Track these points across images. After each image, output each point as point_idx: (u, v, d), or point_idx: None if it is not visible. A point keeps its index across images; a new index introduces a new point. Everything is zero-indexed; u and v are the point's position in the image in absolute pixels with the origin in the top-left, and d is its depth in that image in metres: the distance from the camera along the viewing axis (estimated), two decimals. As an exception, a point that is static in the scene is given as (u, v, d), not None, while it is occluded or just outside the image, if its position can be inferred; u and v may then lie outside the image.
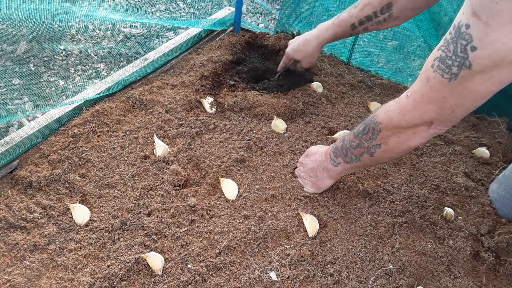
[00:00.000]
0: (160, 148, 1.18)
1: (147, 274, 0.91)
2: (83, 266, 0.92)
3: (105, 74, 2.01)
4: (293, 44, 1.39)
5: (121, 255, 0.94)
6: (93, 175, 1.11)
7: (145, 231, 0.99)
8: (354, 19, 1.22)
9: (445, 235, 1.03)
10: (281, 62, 1.48)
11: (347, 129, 1.33)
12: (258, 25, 2.59)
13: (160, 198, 1.07)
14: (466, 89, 0.72)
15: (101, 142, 1.20)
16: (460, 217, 1.08)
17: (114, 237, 0.98)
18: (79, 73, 2.00)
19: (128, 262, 0.91)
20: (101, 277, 0.89)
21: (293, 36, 1.74)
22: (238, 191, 1.11)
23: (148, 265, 0.92)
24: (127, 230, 0.99)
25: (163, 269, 0.92)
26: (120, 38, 2.28)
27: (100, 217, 1.02)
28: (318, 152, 1.11)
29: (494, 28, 0.64)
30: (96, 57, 2.11)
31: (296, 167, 1.17)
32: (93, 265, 0.92)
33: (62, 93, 1.86)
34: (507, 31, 0.63)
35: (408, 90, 0.83)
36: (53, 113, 1.25)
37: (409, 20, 1.21)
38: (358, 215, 1.07)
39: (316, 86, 1.50)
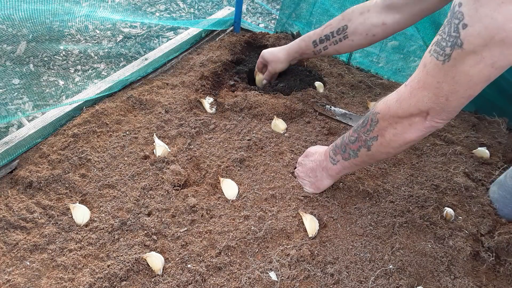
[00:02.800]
0: (160, 148, 1.19)
1: (147, 274, 0.91)
2: (83, 266, 0.92)
3: (105, 74, 2.01)
4: (269, 48, 1.48)
5: (121, 255, 0.94)
6: (93, 175, 1.11)
7: (145, 231, 0.99)
8: (316, 37, 1.32)
9: (445, 235, 1.03)
10: (257, 63, 1.52)
11: (346, 129, 1.33)
12: (258, 25, 2.59)
13: (160, 198, 1.07)
14: (459, 72, 0.70)
15: (101, 142, 1.20)
16: (460, 217, 1.08)
17: (114, 237, 0.98)
18: (79, 73, 2.00)
19: (128, 262, 0.91)
20: (101, 277, 0.89)
21: (293, 36, 1.74)
22: (238, 191, 1.11)
23: (148, 265, 0.92)
24: (127, 230, 0.99)
25: (163, 269, 0.92)
26: (120, 38, 2.28)
27: (100, 217, 1.02)
28: (317, 152, 1.11)
29: (483, 2, 0.63)
30: (96, 57, 2.11)
31: (296, 167, 1.17)
32: (93, 265, 0.92)
33: (62, 93, 1.86)
34: (495, 4, 0.61)
35: (407, 80, 0.83)
36: (53, 113, 1.25)
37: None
38: (358, 215, 1.07)
39: (318, 86, 1.50)
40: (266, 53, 1.45)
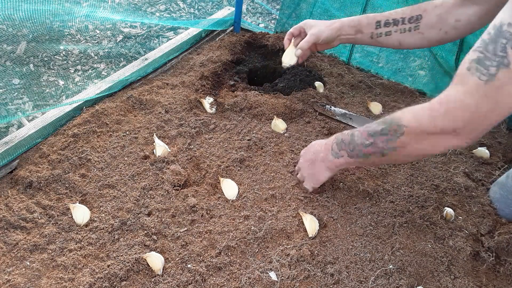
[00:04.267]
0: (160, 148, 1.19)
1: (147, 274, 0.91)
2: (83, 266, 0.92)
3: (105, 74, 2.01)
4: (310, 20, 1.25)
5: (121, 255, 0.94)
6: (93, 175, 1.11)
7: (145, 231, 0.99)
8: (382, 18, 1.17)
9: (445, 235, 1.03)
10: (289, 41, 1.30)
11: (346, 129, 1.33)
12: (258, 25, 2.59)
13: (160, 198, 1.07)
14: (502, 93, 0.69)
15: (101, 142, 1.20)
16: (460, 217, 1.08)
17: (114, 237, 0.98)
18: (79, 73, 2.00)
19: (128, 262, 0.91)
20: (101, 277, 0.89)
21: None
22: (238, 191, 1.11)
23: (148, 265, 0.92)
24: (127, 230, 0.99)
25: (163, 269, 0.92)
26: (120, 38, 2.28)
27: (100, 217, 1.02)
28: (317, 143, 1.09)
29: None
30: (96, 57, 2.11)
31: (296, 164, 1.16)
32: (93, 265, 0.92)
33: (62, 93, 1.86)
34: None
35: (440, 96, 0.79)
36: (53, 113, 1.25)
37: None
38: (358, 215, 1.07)
39: (318, 86, 1.50)
40: (308, 21, 1.24)
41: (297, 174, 1.14)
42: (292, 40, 1.30)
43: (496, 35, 0.68)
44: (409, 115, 0.84)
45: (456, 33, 1.12)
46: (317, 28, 1.20)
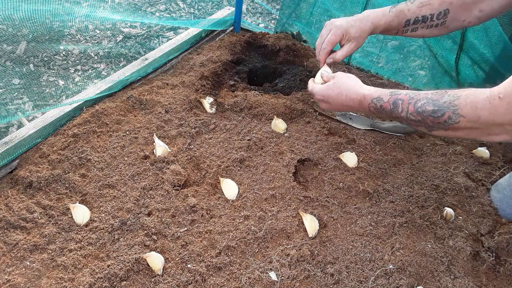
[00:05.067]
0: (160, 148, 1.19)
1: (147, 274, 0.91)
2: (83, 266, 0.92)
3: (105, 74, 2.01)
4: (341, 19, 1.15)
5: (121, 255, 0.94)
6: (93, 175, 1.11)
7: (145, 231, 0.99)
8: (411, 15, 1.12)
9: (445, 235, 1.03)
10: (320, 42, 1.18)
11: (346, 129, 1.33)
12: (258, 25, 2.59)
13: (160, 198, 1.07)
14: None
15: (101, 142, 1.20)
16: (460, 217, 1.08)
17: (114, 237, 0.98)
18: (79, 73, 2.00)
19: (128, 262, 0.91)
20: (101, 277, 0.89)
21: (293, 36, 1.74)
22: (238, 191, 1.11)
23: (148, 265, 0.92)
24: (127, 230, 1.00)
25: (163, 269, 0.92)
26: (120, 38, 2.28)
27: (100, 217, 1.02)
28: (345, 93, 1.00)
29: None
30: (96, 57, 2.11)
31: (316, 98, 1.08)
32: (93, 265, 0.92)
33: (62, 93, 1.86)
34: None
35: (500, 91, 0.79)
36: (53, 113, 1.25)
37: None
38: (358, 215, 1.07)
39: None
40: (348, 26, 1.13)
41: (322, 107, 1.07)
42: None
43: None
44: (467, 106, 0.83)
45: (478, 21, 1.11)
46: (358, 40, 1.14)
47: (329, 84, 1.04)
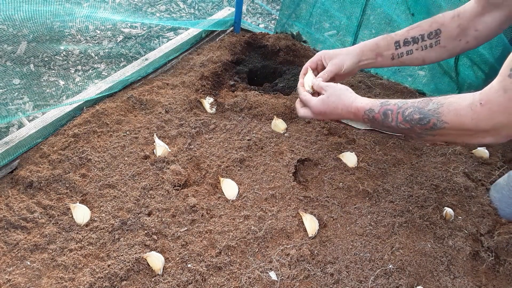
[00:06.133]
0: (160, 148, 1.19)
1: (147, 274, 0.92)
2: (84, 266, 0.92)
3: (106, 74, 2.01)
4: (327, 50, 1.17)
5: (122, 255, 0.94)
6: (93, 175, 1.12)
7: (145, 231, 0.99)
8: (399, 37, 1.13)
9: (445, 235, 1.03)
10: (311, 60, 1.18)
11: (346, 129, 1.33)
12: (258, 25, 2.59)
13: (160, 198, 1.07)
14: None
15: (102, 142, 1.21)
16: (460, 217, 1.09)
17: (115, 237, 0.98)
18: (80, 73, 2.00)
19: (129, 262, 0.91)
20: (102, 277, 0.89)
21: (293, 37, 1.75)
22: (238, 191, 1.11)
23: (148, 265, 0.92)
24: (127, 230, 1.00)
25: (163, 269, 0.92)
26: (121, 39, 2.28)
27: (100, 217, 1.02)
28: (341, 105, 1.00)
29: None
30: (96, 57, 2.11)
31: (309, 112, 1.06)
32: (93, 264, 0.92)
33: (63, 93, 1.86)
34: None
35: (481, 98, 0.80)
36: (53, 113, 1.26)
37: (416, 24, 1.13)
38: (358, 215, 1.07)
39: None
40: (328, 53, 1.15)
41: (317, 118, 1.07)
42: (309, 70, 1.19)
43: None
44: (450, 113, 0.85)
45: (477, 41, 1.11)
46: (338, 58, 1.14)
47: (323, 98, 1.02)
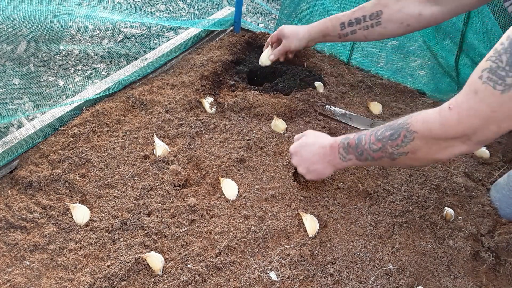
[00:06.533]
0: (160, 148, 1.19)
1: (147, 274, 0.92)
2: (83, 266, 0.92)
3: (105, 74, 2.01)
4: (284, 26, 1.40)
5: (121, 255, 0.94)
6: (93, 175, 1.11)
7: (145, 231, 0.99)
8: (345, 19, 1.25)
9: (445, 235, 1.03)
10: (268, 43, 1.44)
11: (346, 129, 1.33)
12: (258, 25, 2.59)
13: (160, 198, 1.07)
14: None
15: (101, 142, 1.21)
16: (460, 217, 1.09)
17: (114, 237, 0.98)
18: (79, 73, 2.00)
19: (128, 262, 0.91)
20: (101, 277, 0.89)
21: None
22: (238, 191, 1.11)
23: (148, 265, 0.92)
24: (127, 230, 1.00)
25: (163, 269, 0.92)
26: (120, 38, 2.28)
27: (100, 217, 1.02)
28: (318, 143, 1.06)
29: None
30: (96, 57, 2.11)
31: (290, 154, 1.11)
32: (93, 265, 0.92)
33: (62, 93, 1.86)
34: None
35: (450, 102, 0.79)
36: (53, 113, 1.26)
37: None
38: (358, 215, 1.07)
39: (318, 86, 1.50)
40: (285, 27, 1.36)
41: (295, 162, 1.10)
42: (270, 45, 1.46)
43: (510, 45, 0.69)
44: (419, 122, 0.84)
45: (419, 25, 1.17)
46: (288, 40, 1.35)
47: (301, 140, 1.10)
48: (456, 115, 0.78)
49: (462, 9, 1.12)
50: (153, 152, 1.20)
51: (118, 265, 0.91)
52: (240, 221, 1.03)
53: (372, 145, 0.93)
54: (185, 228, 1.01)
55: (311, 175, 1.07)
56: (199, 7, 2.69)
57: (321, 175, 1.06)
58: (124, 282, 0.89)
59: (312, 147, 1.06)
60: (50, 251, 0.94)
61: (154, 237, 0.98)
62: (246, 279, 0.91)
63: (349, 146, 0.98)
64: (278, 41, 1.40)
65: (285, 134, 1.30)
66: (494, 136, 0.77)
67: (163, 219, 1.02)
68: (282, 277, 0.92)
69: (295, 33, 1.34)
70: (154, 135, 1.23)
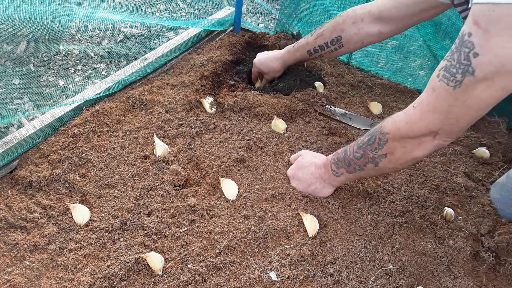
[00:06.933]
0: (160, 148, 1.19)
1: (147, 274, 0.91)
2: (83, 266, 0.92)
3: (105, 74, 2.01)
4: (261, 57, 1.48)
5: (121, 255, 0.94)
6: (93, 175, 1.11)
7: (145, 231, 0.99)
8: (310, 47, 1.36)
9: (445, 235, 1.03)
10: (252, 73, 1.54)
11: (346, 129, 1.33)
12: (258, 25, 2.59)
13: (160, 198, 1.07)
14: (470, 96, 0.74)
15: (101, 142, 1.20)
16: (460, 217, 1.08)
17: (114, 237, 0.98)
18: (79, 73, 2.00)
19: (128, 262, 0.91)
20: (101, 277, 0.89)
21: (293, 36, 1.74)
22: (238, 191, 1.11)
23: (148, 265, 0.92)
24: (127, 230, 1.00)
25: (163, 269, 0.92)
26: (120, 38, 2.28)
27: (100, 217, 1.02)
28: (313, 164, 1.09)
29: (494, 34, 0.67)
30: (96, 57, 2.11)
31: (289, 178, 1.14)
32: (93, 265, 0.92)
33: (62, 93, 1.86)
34: (506, 37, 0.66)
35: (415, 102, 0.85)
36: (53, 113, 1.25)
37: None
38: (358, 215, 1.07)
39: (318, 86, 1.50)
40: (260, 64, 1.47)
41: (294, 185, 1.12)
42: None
43: (460, 45, 0.73)
44: (389, 123, 0.90)
45: (373, 41, 1.28)
46: (269, 74, 1.49)
47: (297, 161, 1.13)
48: (419, 112, 0.83)
49: (420, 22, 1.20)
50: (153, 152, 1.20)
51: (118, 265, 0.91)
52: (240, 221, 1.03)
53: (355, 153, 0.98)
54: (185, 228, 1.01)
55: (315, 194, 1.10)
56: (199, 7, 2.69)
57: (321, 195, 1.09)
58: (124, 282, 0.89)
59: (309, 169, 1.10)
60: (50, 251, 0.94)
61: (154, 237, 0.98)
62: (246, 279, 0.91)
63: (338, 160, 1.03)
64: (260, 75, 1.52)
65: (285, 134, 1.30)
66: (459, 130, 0.82)
67: (163, 219, 1.02)
68: (282, 277, 0.92)
69: (272, 69, 1.46)
70: (154, 135, 1.23)
